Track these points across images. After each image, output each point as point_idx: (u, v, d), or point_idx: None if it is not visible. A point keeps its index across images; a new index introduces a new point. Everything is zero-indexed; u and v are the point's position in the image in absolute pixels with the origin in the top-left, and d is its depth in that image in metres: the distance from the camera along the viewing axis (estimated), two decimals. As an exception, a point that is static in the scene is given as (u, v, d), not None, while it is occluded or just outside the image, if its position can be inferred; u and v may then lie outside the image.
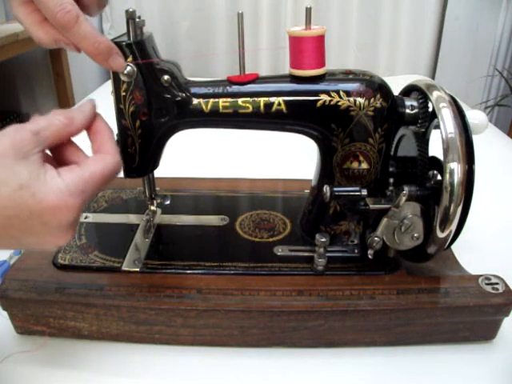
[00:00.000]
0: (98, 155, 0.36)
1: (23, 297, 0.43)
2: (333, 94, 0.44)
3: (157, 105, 0.45)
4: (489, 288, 0.44)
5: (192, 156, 0.82)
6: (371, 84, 0.44)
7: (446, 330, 0.44)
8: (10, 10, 0.39)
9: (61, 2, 0.34)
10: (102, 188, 0.35)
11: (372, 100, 0.44)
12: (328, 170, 0.48)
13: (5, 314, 0.44)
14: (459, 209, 0.40)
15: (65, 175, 0.33)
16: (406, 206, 0.42)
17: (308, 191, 0.54)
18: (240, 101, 0.45)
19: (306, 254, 0.49)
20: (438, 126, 0.42)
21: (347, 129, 0.45)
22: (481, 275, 0.45)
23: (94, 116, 0.38)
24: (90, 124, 0.37)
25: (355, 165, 0.47)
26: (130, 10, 0.41)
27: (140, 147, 0.46)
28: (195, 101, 0.45)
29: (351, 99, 0.44)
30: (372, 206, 0.44)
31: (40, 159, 0.32)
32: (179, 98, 0.45)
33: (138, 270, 0.47)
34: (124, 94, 0.44)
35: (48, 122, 0.35)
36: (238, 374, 0.43)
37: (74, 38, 0.36)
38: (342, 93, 0.44)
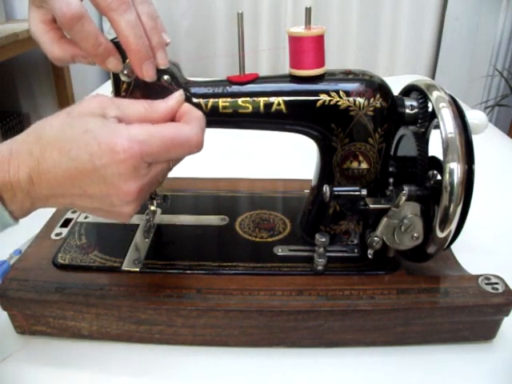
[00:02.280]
0: (176, 122, 0.37)
1: (23, 297, 0.43)
2: (332, 94, 0.44)
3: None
4: (489, 288, 0.44)
5: (192, 156, 0.82)
6: (371, 84, 0.44)
7: (446, 329, 0.44)
8: (29, 27, 0.40)
9: (67, 2, 0.34)
10: (170, 155, 0.36)
11: (372, 100, 0.44)
12: (328, 169, 0.48)
13: (5, 314, 0.44)
14: (459, 209, 0.40)
15: (132, 126, 0.34)
16: (406, 205, 0.43)
17: (308, 191, 0.54)
18: (240, 101, 0.45)
19: (306, 253, 0.49)
20: (437, 126, 0.42)
21: (347, 129, 0.45)
22: (481, 275, 0.45)
23: (181, 105, 0.39)
24: (176, 114, 0.38)
25: (355, 165, 0.47)
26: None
27: (140, 147, 0.46)
28: (195, 101, 0.45)
29: (351, 99, 0.44)
30: (372, 206, 0.44)
31: (115, 120, 0.35)
32: (179, 98, 0.45)
33: (138, 270, 0.47)
34: (124, 94, 0.44)
35: (131, 102, 0.37)
36: (238, 373, 0.43)
37: (77, 36, 0.36)
38: (341, 93, 0.44)
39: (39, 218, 0.55)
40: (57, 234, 0.53)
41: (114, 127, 0.34)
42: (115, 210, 0.36)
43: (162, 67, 0.40)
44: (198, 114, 0.38)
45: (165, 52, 0.40)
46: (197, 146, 0.37)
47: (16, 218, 0.36)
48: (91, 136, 0.33)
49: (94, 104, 0.36)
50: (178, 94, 0.39)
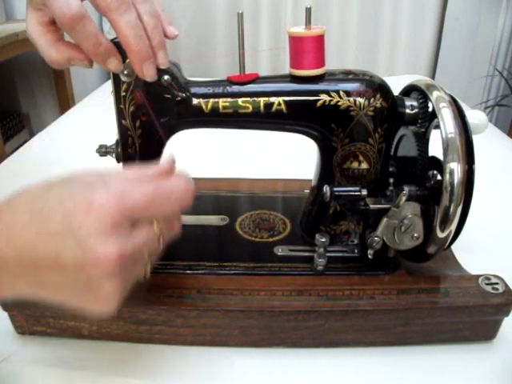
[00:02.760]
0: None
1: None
2: (333, 94, 0.44)
3: (157, 105, 0.45)
4: (489, 288, 0.44)
5: (192, 156, 0.82)
6: (371, 84, 0.44)
7: (446, 329, 0.44)
8: (26, 29, 0.39)
9: (68, 2, 0.34)
10: (155, 209, 0.32)
11: (372, 100, 0.44)
12: (328, 169, 0.48)
13: (5, 314, 0.44)
14: (459, 209, 0.40)
15: (112, 182, 0.31)
16: (406, 205, 0.42)
17: (308, 191, 0.54)
18: (240, 101, 0.45)
19: (306, 253, 0.49)
20: (438, 126, 0.42)
21: (347, 129, 0.45)
22: (481, 275, 0.45)
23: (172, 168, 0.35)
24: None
25: (355, 165, 0.47)
26: (130, 9, 0.41)
27: (140, 147, 0.46)
28: (195, 101, 0.45)
29: (351, 99, 0.44)
30: (372, 206, 0.44)
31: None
32: (179, 98, 0.45)
33: (137, 269, 0.47)
34: (124, 93, 0.44)
35: (118, 172, 0.34)
36: (238, 373, 0.43)
37: (77, 37, 0.36)
38: (341, 93, 0.44)
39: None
40: (57, 234, 0.52)
41: (92, 185, 0.30)
42: (93, 287, 0.30)
43: (162, 67, 0.40)
44: (186, 175, 0.35)
45: (165, 52, 0.39)
46: (186, 198, 0.33)
47: None
48: (67, 193, 0.30)
49: (78, 175, 0.32)
50: (170, 160, 0.36)
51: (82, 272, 0.29)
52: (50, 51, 0.39)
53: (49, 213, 0.29)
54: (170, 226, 0.35)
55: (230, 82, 0.46)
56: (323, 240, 0.46)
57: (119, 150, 0.47)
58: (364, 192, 0.45)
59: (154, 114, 0.44)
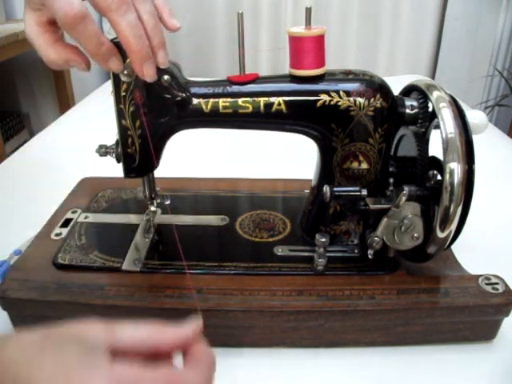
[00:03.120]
0: (174, 368, 0.30)
1: (23, 297, 0.43)
2: (333, 94, 0.44)
3: (157, 105, 0.45)
4: (489, 288, 0.44)
5: (192, 156, 0.82)
6: (371, 84, 0.44)
7: (446, 329, 0.44)
8: (24, 29, 0.39)
9: (70, 2, 0.34)
10: None
11: (372, 100, 0.44)
12: (328, 169, 0.48)
13: (5, 314, 0.44)
14: (459, 209, 0.40)
15: (118, 365, 0.27)
16: (406, 205, 0.42)
17: (308, 191, 0.54)
18: (240, 101, 0.45)
19: (306, 254, 0.49)
20: (438, 126, 0.42)
21: (347, 129, 0.45)
22: (481, 275, 0.45)
23: (195, 339, 0.31)
24: (188, 346, 0.31)
25: (355, 165, 0.47)
26: (130, 9, 0.41)
27: (140, 147, 0.46)
28: (195, 101, 0.45)
29: (351, 99, 0.44)
30: (372, 206, 0.44)
31: (103, 352, 0.27)
32: (179, 98, 0.45)
33: (138, 270, 0.47)
34: (124, 93, 0.44)
35: (134, 329, 0.30)
36: (238, 373, 0.42)
37: (79, 37, 0.35)
38: (341, 93, 0.44)
39: (39, 218, 0.55)
40: (57, 234, 0.53)
41: (94, 360, 0.26)
42: None
43: (162, 67, 0.40)
44: (209, 357, 0.31)
45: (165, 51, 0.39)
46: None
47: None
48: (62, 369, 0.26)
49: (87, 330, 0.29)
50: (195, 325, 0.32)
51: None
52: (48, 52, 0.39)
53: None
54: None
55: (230, 81, 0.46)
56: (323, 240, 0.46)
57: (119, 150, 0.47)
58: (364, 192, 0.45)
59: (147, 125, 0.44)
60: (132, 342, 0.29)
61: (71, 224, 0.55)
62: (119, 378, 0.26)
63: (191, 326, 0.31)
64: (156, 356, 0.30)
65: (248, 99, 0.45)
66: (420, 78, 0.49)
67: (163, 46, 0.39)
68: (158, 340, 0.30)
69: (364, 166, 0.46)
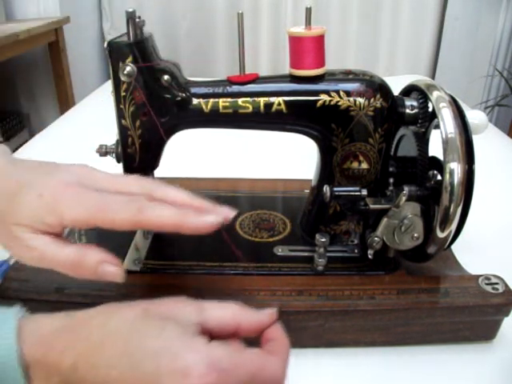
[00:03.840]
0: (263, 352, 0.31)
1: (23, 297, 0.43)
2: (333, 94, 0.44)
3: (157, 105, 0.45)
4: (489, 288, 0.44)
5: (192, 156, 0.82)
6: (371, 84, 0.44)
7: (446, 329, 0.44)
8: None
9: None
10: None
11: (372, 100, 0.44)
12: (328, 169, 0.48)
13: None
14: (459, 209, 0.40)
15: (215, 346, 0.28)
16: (406, 205, 0.42)
17: (308, 191, 0.54)
18: (240, 101, 0.45)
19: (306, 254, 0.49)
20: (438, 126, 0.42)
21: (347, 129, 0.45)
22: (481, 275, 0.45)
23: (272, 323, 0.33)
24: (265, 330, 0.32)
25: (355, 165, 0.47)
26: (130, 10, 0.41)
27: (140, 147, 0.46)
28: (195, 101, 0.45)
29: (351, 99, 0.44)
30: (372, 206, 0.44)
31: (196, 329, 0.29)
32: (179, 98, 0.45)
33: (138, 270, 0.47)
34: (124, 94, 0.44)
35: (220, 306, 0.32)
36: (238, 373, 0.42)
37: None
38: (341, 93, 0.44)
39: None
40: (57, 234, 0.53)
41: (192, 341, 0.28)
42: None
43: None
44: (285, 343, 0.32)
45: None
46: (280, 382, 0.30)
47: None
48: (164, 345, 0.28)
49: (180, 309, 0.31)
50: (272, 312, 0.33)
51: None
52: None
53: (141, 362, 0.27)
54: None
55: (230, 81, 0.46)
56: (323, 240, 0.46)
57: (119, 149, 0.47)
58: (364, 192, 0.45)
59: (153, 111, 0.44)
60: (218, 323, 0.31)
61: (71, 224, 0.54)
62: (218, 359, 0.27)
63: (270, 312, 0.33)
64: (232, 336, 0.31)
65: (248, 99, 0.45)
66: (420, 78, 0.49)
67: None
68: (240, 321, 0.31)
69: (364, 165, 0.46)
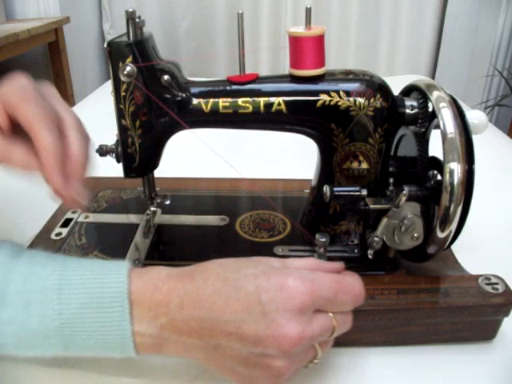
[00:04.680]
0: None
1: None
2: (333, 94, 0.44)
3: (157, 105, 0.45)
4: (489, 288, 0.44)
5: (192, 156, 0.82)
6: (371, 84, 0.44)
7: (446, 330, 0.44)
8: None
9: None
10: (337, 301, 0.34)
11: (372, 100, 0.44)
12: (328, 169, 0.48)
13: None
14: (459, 209, 0.40)
15: (302, 269, 0.35)
16: (406, 205, 0.42)
17: (308, 191, 0.54)
18: (240, 101, 0.45)
19: (306, 254, 0.49)
20: (438, 126, 0.42)
21: (347, 129, 0.45)
22: (481, 275, 0.45)
23: (343, 270, 0.38)
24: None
25: (355, 165, 0.47)
26: (130, 10, 0.41)
27: (140, 147, 0.46)
28: (195, 101, 0.45)
29: (351, 99, 0.44)
30: (372, 206, 0.44)
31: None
32: (179, 98, 0.45)
33: (138, 270, 0.47)
34: (124, 93, 0.44)
35: (297, 260, 0.37)
36: (238, 373, 0.42)
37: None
38: (341, 93, 0.44)
39: (39, 218, 0.55)
40: (57, 234, 0.53)
41: (284, 269, 0.34)
42: (263, 362, 0.31)
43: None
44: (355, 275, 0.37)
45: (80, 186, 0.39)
46: (360, 296, 0.35)
47: (136, 345, 0.33)
48: (261, 270, 0.33)
49: (265, 258, 0.36)
50: (341, 262, 0.38)
51: (259, 344, 0.31)
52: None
53: (242, 285, 0.32)
54: (344, 320, 0.35)
55: (230, 82, 0.46)
56: (323, 240, 0.46)
57: (119, 149, 0.47)
58: (364, 192, 0.45)
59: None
60: (299, 266, 0.36)
61: (71, 224, 0.55)
62: (307, 276, 0.33)
63: (340, 262, 0.38)
64: None
65: (248, 99, 0.45)
66: (420, 78, 0.49)
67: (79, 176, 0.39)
68: (317, 267, 0.36)
69: (364, 165, 0.46)
